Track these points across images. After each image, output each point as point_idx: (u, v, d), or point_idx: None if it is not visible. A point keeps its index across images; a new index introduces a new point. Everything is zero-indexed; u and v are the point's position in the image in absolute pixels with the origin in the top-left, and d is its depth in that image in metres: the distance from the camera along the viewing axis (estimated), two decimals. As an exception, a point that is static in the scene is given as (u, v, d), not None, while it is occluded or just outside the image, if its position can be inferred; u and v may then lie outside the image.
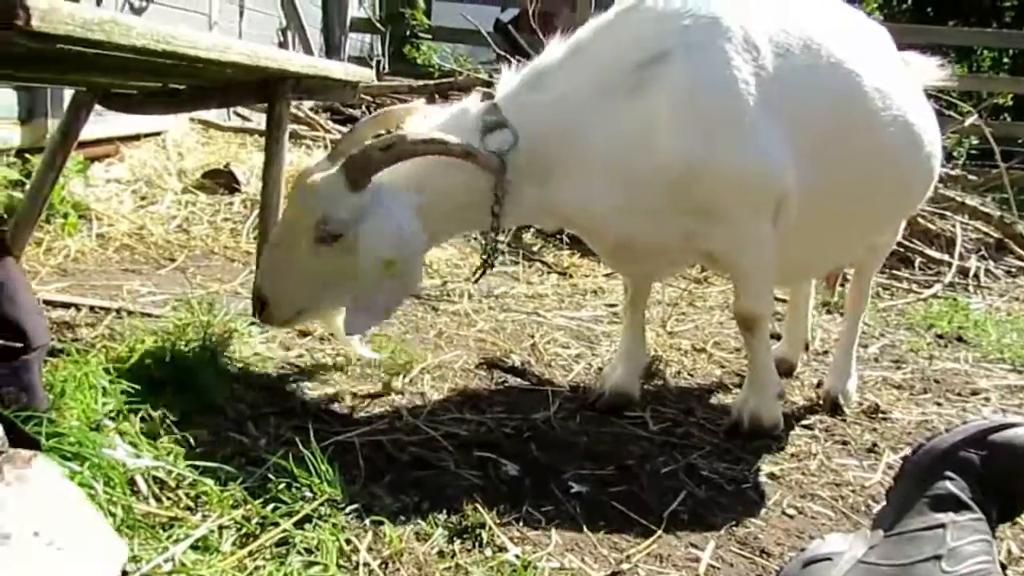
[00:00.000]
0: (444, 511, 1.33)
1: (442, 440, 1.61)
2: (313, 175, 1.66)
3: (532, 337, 2.42)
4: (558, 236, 3.65)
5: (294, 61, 1.69)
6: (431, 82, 5.34)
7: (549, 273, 3.39)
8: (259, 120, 4.28)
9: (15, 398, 1.13)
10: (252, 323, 2.03)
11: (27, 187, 2.50)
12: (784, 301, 2.67)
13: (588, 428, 1.80)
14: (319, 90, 1.97)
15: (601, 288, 3.25)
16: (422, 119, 1.74)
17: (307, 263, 1.65)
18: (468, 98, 1.74)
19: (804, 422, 1.99)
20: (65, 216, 2.77)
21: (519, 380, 2.06)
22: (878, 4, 11.13)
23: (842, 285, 2.81)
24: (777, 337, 2.45)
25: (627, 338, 2.04)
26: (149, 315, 2.10)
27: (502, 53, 6.32)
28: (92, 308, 2.11)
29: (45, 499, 0.58)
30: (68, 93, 2.61)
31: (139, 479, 1.24)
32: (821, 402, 2.12)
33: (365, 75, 1.97)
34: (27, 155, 2.90)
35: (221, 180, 3.30)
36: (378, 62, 6.73)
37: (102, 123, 3.08)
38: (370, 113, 4.80)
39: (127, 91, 2.07)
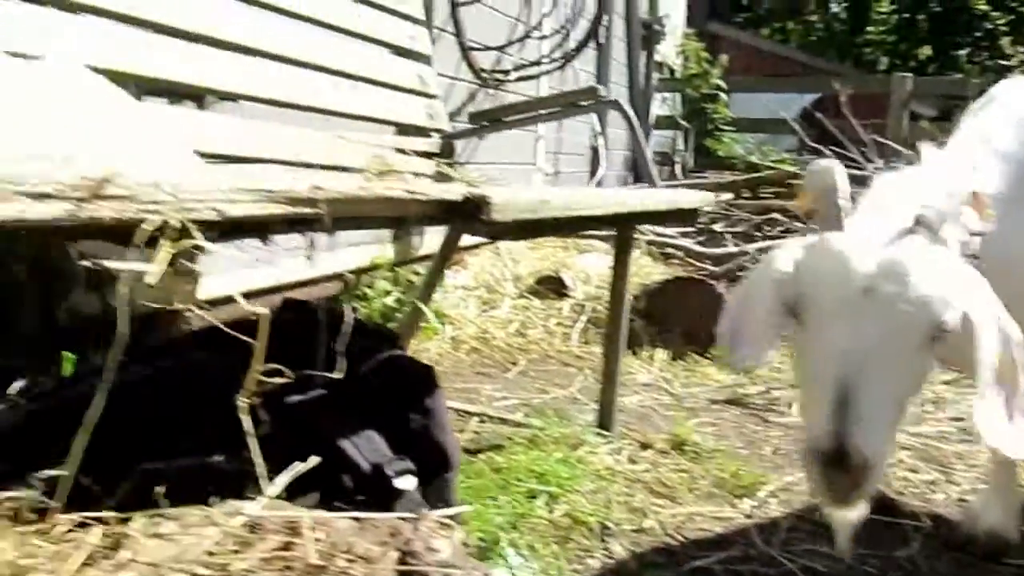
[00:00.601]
0: (818, 657, 1.31)
1: (801, 574, 1.58)
2: (881, 258, 1.16)
3: (876, 457, 2.29)
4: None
5: (654, 200, 1.82)
6: (739, 178, 5.37)
7: (882, 381, 3.18)
8: (578, 224, 4.58)
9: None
10: (598, 433, 2.17)
11: (407, 298, 2.94)
12: None
13: (960, 573, 1.67)
14: (666, 218, 2.10)
15: (941, 398, 2.98)
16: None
17: (913, 379, 1.21)
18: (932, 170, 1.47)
19: None
20: (427, 322, 3.17)
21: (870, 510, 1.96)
22: None
23: None
24: None
25: (996, 470, 1.87)
26: (506, 420, 2.32)
27: (811, 142, 6.18)
28: (458, 412, 2.39)
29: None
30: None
31: (531, 591, 1.38)
32: None
33: (708, 200, 2.07)
34: (396, 268, 3.38)
35: (551, 285, 3.58)
36: (683, 157, 6.91)
37: (453, 237, 3.51)
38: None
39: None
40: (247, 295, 2.54)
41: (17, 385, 1.67)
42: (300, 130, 2.17)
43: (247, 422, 0.73)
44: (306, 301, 1.35)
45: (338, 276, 3.11)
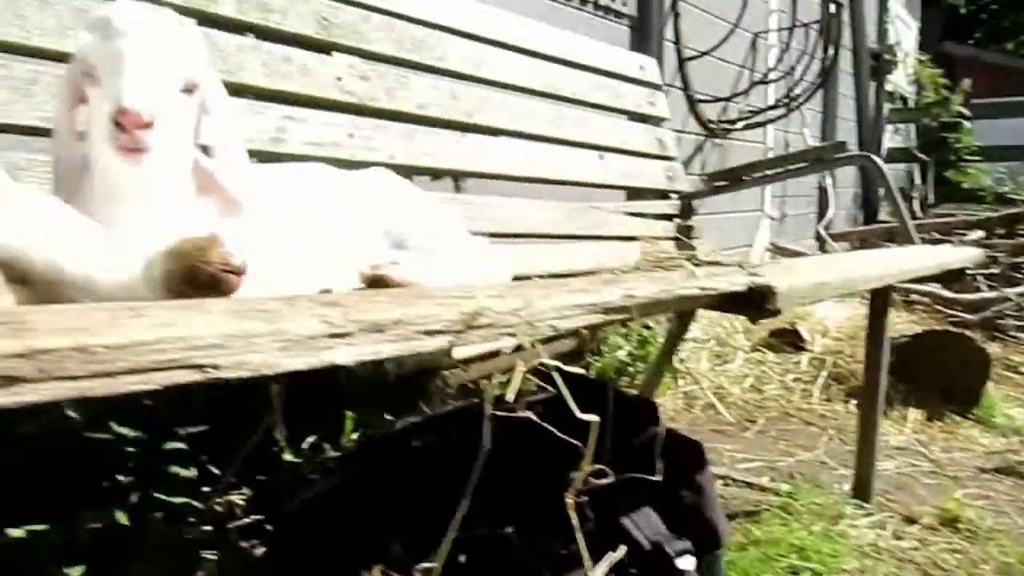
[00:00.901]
0: None
1: None
2: None
3: None
4: None
5: (923, 264, 1.74)
6: (994, 214, 4.90)
7: None
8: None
9: (713, 591, 1.34)
10: (856, 505, 2.07)
11: (639, 352, 2.98)
12: None
13: None
14: (934, 280, 1.99)
15: None
16: None
17: None
18: None
19: None
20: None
21: None
22: None
23: None
24: None
25: None
26: (751, 484, 2.27)
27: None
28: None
29: None
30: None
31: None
32: None
33: (977, 258, 1.94)
34: (627, 324, 3.43)
35: (787, 338, 3.46)
36: (921, 192, 6.45)
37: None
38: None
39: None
40: (491, 354, 2.67)
41: (309, 440, 1.89)
42: (546, 203, 2.29)
43: (574, 518, 0.80)
44: (592, 378, 1.42)
45: (574, 333, 3.21)
